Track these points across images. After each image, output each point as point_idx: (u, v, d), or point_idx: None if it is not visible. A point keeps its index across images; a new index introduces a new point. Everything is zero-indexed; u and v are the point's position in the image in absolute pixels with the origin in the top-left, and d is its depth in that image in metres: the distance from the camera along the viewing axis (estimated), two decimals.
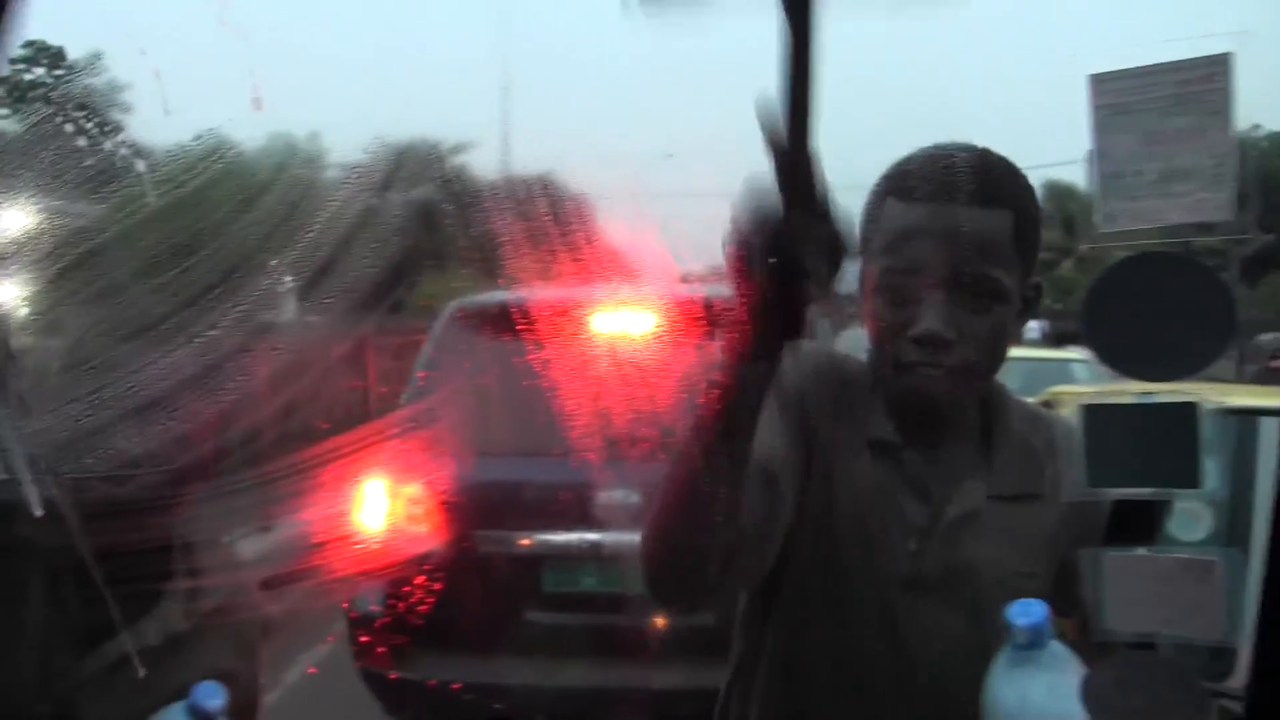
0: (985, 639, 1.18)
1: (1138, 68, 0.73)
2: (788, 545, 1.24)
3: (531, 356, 3.64)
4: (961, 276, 1.18)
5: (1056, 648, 1.01)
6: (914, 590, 1.24)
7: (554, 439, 3.50)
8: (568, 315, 3.80)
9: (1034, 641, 1.01)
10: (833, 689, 1.26)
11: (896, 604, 1.24)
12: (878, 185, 1.26)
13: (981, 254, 1.18)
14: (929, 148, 1.25)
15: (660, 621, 3.71)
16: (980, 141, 1.25)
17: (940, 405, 1.24)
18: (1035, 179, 1.31)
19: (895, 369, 1.23)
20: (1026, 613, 1.01)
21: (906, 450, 1.26)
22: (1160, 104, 0.73)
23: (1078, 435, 0.82)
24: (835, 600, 1.25)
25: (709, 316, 3.68)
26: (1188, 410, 0.77)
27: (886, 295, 1.22)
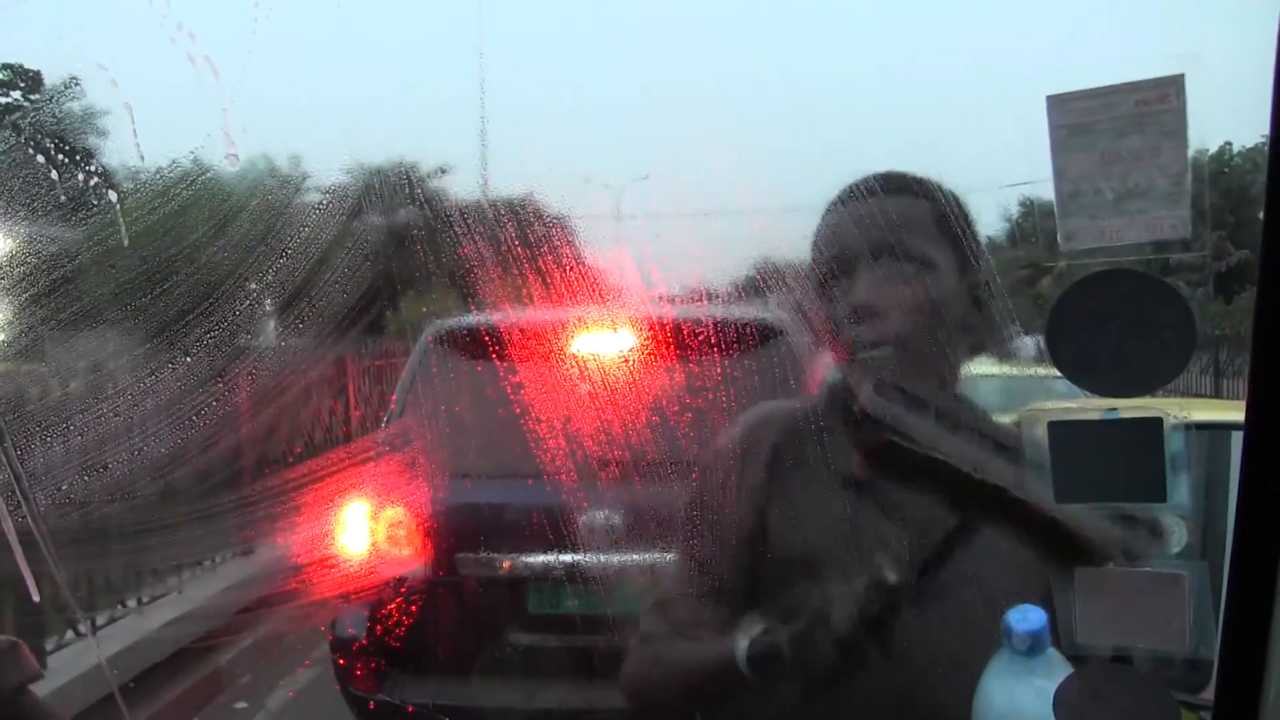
0: (970, 651, 1.19)
1: (1095, 89, 0.75)
2: (767, 584, 1.30)
3: (511, 378, 3.63)
4: (882, 248, 1.25)
5: (1052, 654, 0.99)
6: (899, 610, 1.22)
7: (535, 461, 3.49)
8: (546, 337, 3.80)
9: (1033, 647, 0.99)
10: (829, 700, 1.26)
11: (882, 625, 1.22)
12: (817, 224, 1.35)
13: (900, 229, 1.25)
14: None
15: None
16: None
17: (904, 389, 1.22)
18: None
19: (849, 363, 1.27)
20: (1025, 619, 1.00)
21: (874, 481, 1.27)
22: (1116, 124, 0.74)
23: (1044, 452, 0.83)
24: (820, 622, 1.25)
25: (684, 338, 3.70)
26: (1153, 425, 0.78)
27: (824, 294, 1.29)
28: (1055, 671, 0.97)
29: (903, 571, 1.23)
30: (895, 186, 1.30)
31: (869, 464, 1.25)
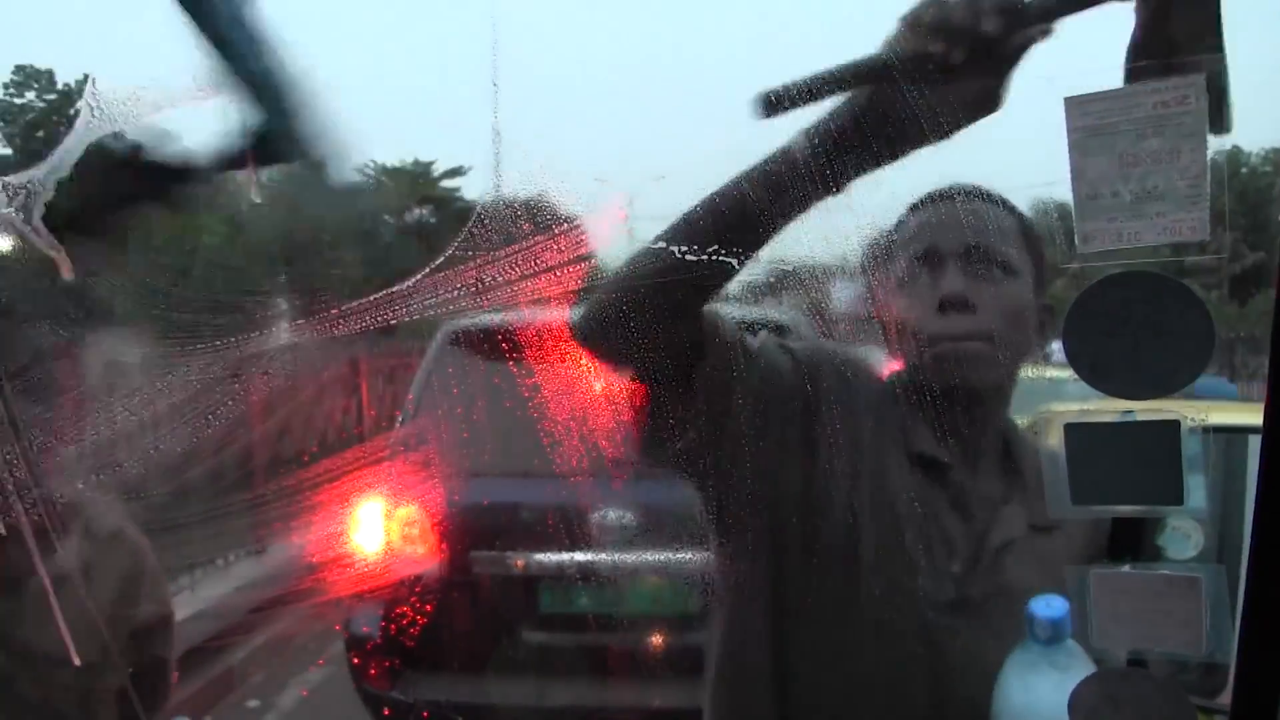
0: None
1: (1113, 90, 0.74)
2: (814, 558, 1.27)
3: (526, 378, 3.63)
4: (974, 249, 1.27)
5: (1072, 646, 1.01)
6: (956, 614, 1.24)
7: (549, 460, 3.50)
8: (560, 337, 3.80)
9: (1053, 636, 1.01)
10: (870, 714, 1.26)
11: (938, 627, 1.24)
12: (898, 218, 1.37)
13: (989, 233, 1.28)
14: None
15: (656, 641, 3.72)
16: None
17: (977, 386, 1.27)
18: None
19: (930, 353, 1.27)
20: (1049, 606, 1.02)
21: (952, 469, 1.29)
22: (1135, 126, 0.73)
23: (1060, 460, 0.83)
24: (872, 621, 1.25)
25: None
26: (1170, 428, 0.78)
27: (911, 283, 1.31)
28: (1074, 663, 0.99)
29: (962, 567, 1.26)
30: (983, 196, 1.34)
31: (945, 447, 1.28)
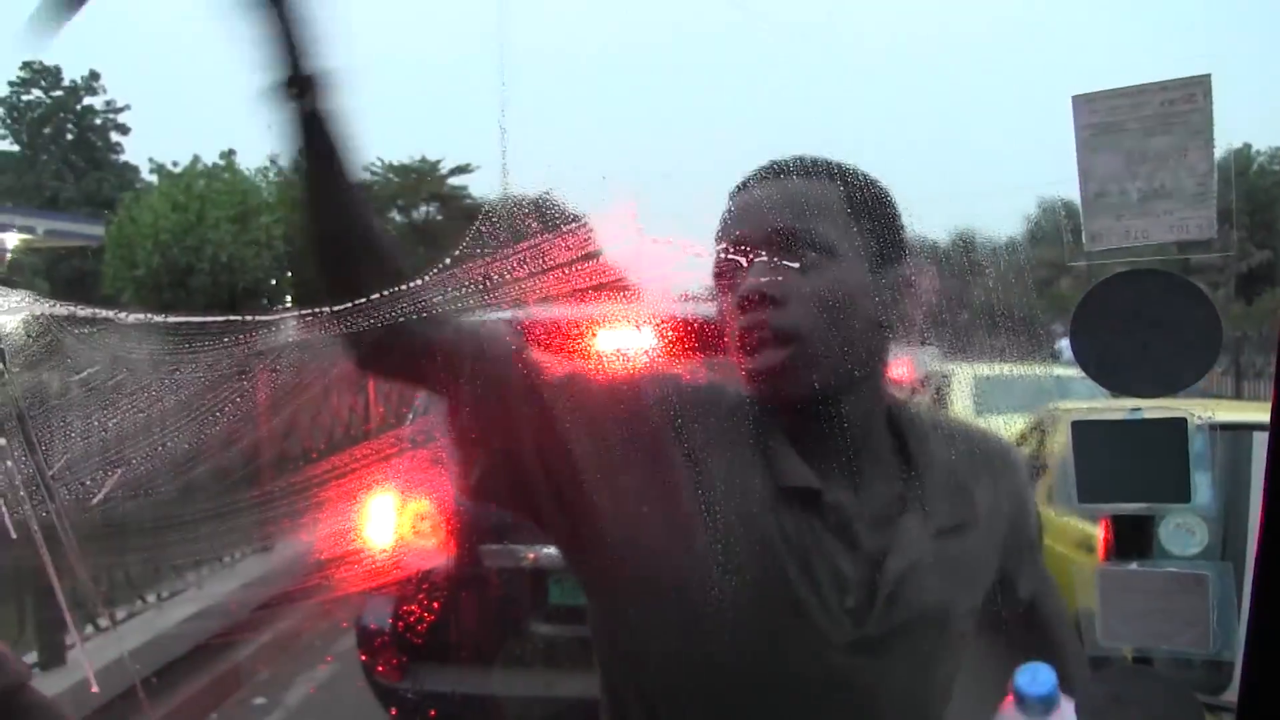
0: (933, 689, 1.15)
1: (1121, 88, 0.74)
2: (674, 608, 1.11)
3: None
4: (778, 235, 1.12)
5: (1065, 707, 0.95)
6: (858, 652, 1.10)
7: None
8: (570, 333, 3.81)
9: (1046, 710, 0.95)
10: None
11: (840, 668, 1.10)
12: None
13: (801, 214, 1.12)
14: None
15: None
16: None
17: (808, 391, 1.11)
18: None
19: (745, 363, 1.13)
20: (1036, 681, 0.96)
21: (824, 494, 1.11)
22: (1143, 124, 0.73)
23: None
24: (768, 674, 1.11)
25: (699, 335, 3.70)
26: (1177, 425, 0.78)
27: (722, 282, 1.17)
28: None
29: (856, 601, 1.10)
30: (802, 170, 1.16)
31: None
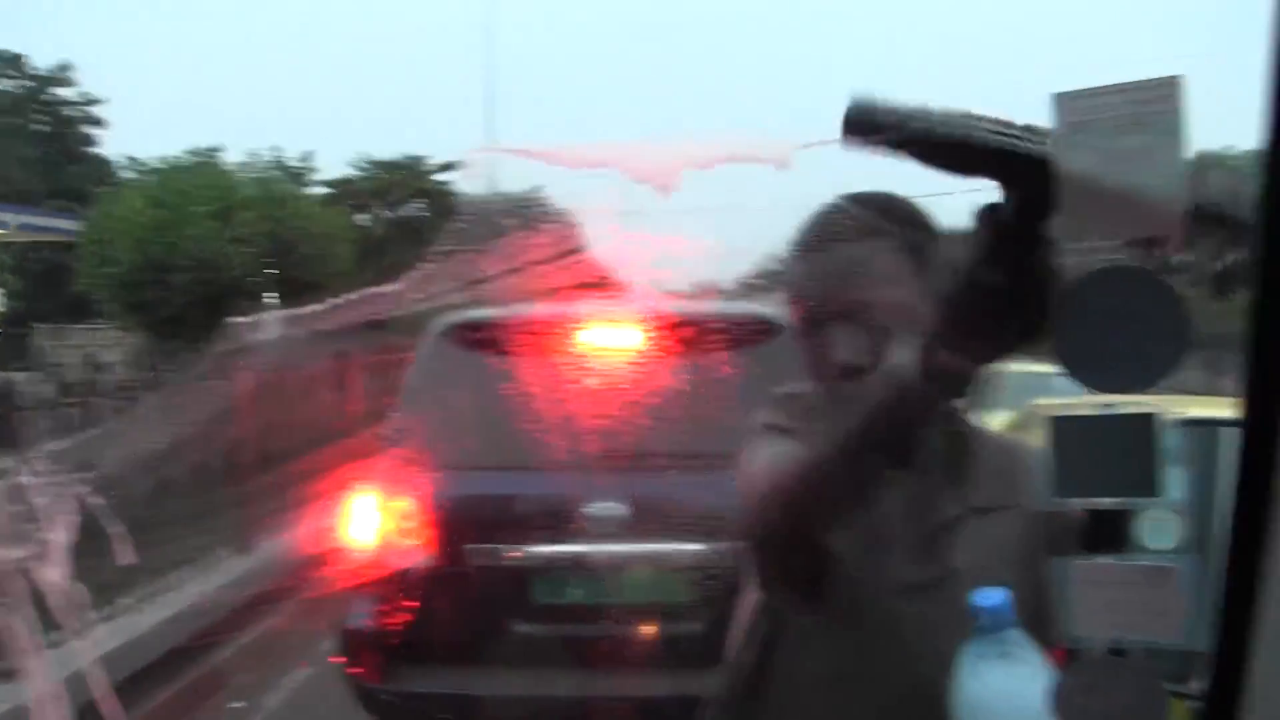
0: None
1: (1097, 87, 0.75)
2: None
3: (518, 371, 3.66)
4: (854, 307, 1.25)
5: (1016, 635, 1.06)
6: (909, 598, 1.28)
7: (541, 453, 3.52)
8: (554, 331, 3.82)
9: (996, 624, 1.06)
10: (844, 696, 1.30)
11: (894, 612, 1.28)
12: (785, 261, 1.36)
13: (870, 278, 1.26)
14: (828, 203, 1.34)
15: (646, 631, 3.75)
16: None
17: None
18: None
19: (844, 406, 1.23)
20: (988, 597, 1.07)
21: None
22: (1116, 123, 0.75)
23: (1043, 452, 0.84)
24: (842, 610, 1.29)
25: (689, 333, 3.72)
26: (1147, 421, 0.79)
27: (806, 339, 1.32)
28: (1019, 650, 1.06)
29: (908, 552, 1.29)
30: (862, 231, 1.28)
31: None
